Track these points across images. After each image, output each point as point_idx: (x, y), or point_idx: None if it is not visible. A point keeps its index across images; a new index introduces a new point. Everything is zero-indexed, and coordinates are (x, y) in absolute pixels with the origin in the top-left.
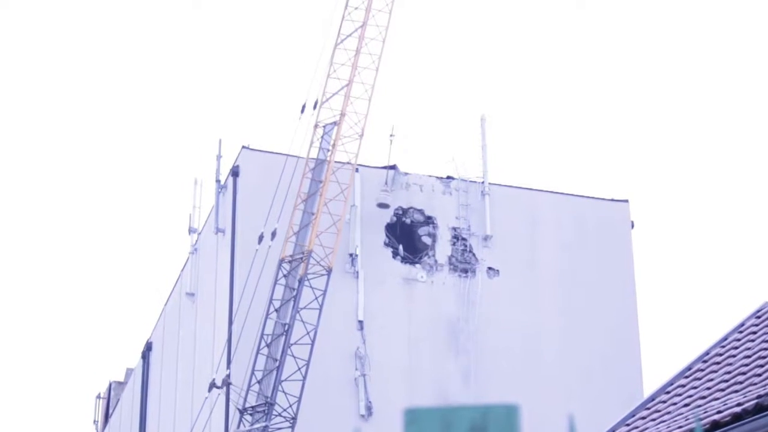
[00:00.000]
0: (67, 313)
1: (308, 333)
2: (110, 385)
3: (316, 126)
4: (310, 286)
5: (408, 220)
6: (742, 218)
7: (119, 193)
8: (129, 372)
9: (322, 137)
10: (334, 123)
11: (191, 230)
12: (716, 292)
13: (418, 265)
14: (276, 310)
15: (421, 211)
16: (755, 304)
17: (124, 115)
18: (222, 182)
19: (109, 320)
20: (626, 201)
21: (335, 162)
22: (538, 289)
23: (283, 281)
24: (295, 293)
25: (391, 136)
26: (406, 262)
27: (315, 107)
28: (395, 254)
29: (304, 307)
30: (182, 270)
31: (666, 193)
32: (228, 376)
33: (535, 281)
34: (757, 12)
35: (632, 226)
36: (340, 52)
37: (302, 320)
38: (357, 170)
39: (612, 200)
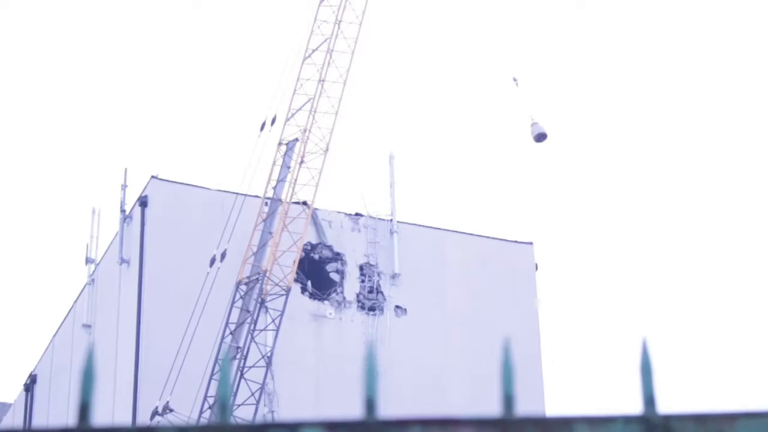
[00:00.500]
0: None
1: (263, 357)
2: None
3: (279, 144)
4: (266, 308)
5: (317, 256)
6: (639, 264)
7: (10, 216)
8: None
9: (284, 154)
10: (296, 139)
11: (88, 260)
12: (616, 333)
13: (326, 302)
14: (231, 333)
15: (330, 248)
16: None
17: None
18: (127, 212)
19: None
20: (531, 243)
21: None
22: (444, 328)
23: (239, 303)
24: (251, 315)
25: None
26: (314, 298)
27: (273, 123)
28: (303, 290)
29: (262, 330)
30: (76, 300)
31: (569, 237)
32: (168, 403)
33: (442, 320)
34: (758, 13)
35: (536, 268)
36: (306, 67)
37: (256, 343)
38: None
39: (517, 242)
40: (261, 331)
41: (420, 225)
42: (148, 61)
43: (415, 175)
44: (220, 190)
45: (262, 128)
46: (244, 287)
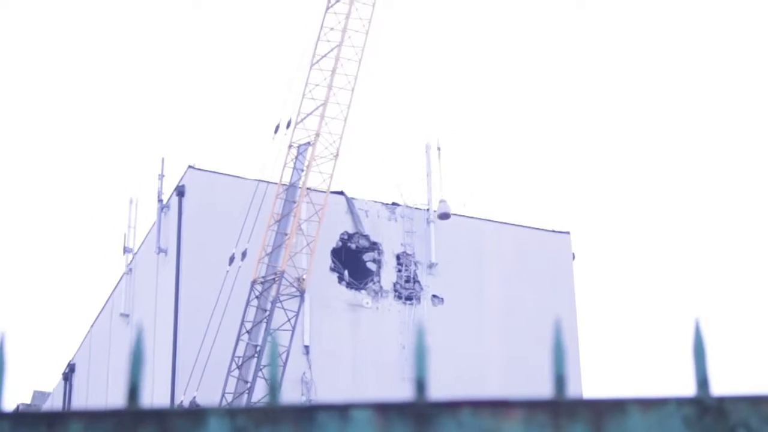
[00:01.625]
0: None
1: (279, 355)
2: (17, 408)
3: (290, 146)
4: (282, 308)
5: (353, 246)
6: (680, 252)
7: (47, 207)
8: (37, 395)
9: (296, 158)
10: (308, 143)
11: (126, 250)
12: (654, 322)
13: (363, 291)
14: (248, 332)
15: (366, 237)
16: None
17: (58, 128)
18: (165, 202)
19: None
20: (568, 233)
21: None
22: (481, 318)
23: (255, 302)
24: (267, 314)
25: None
26: (351, 288)
27: (288, 127)
28: (341, 279)
29: (277, 329)
30: (114, 290)
31: (606, 227)
32: (194, 398)
33: (479, 310)
34: (758, 13)
35: (573, 258)
36: (315, 72)
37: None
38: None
39: (554, 231)
40: (277, 330)
41: (456, 214)
42: (182, 56)
43: (452, 165)
44: (258, 180)
45: (276, 131)
46: (259, 287)
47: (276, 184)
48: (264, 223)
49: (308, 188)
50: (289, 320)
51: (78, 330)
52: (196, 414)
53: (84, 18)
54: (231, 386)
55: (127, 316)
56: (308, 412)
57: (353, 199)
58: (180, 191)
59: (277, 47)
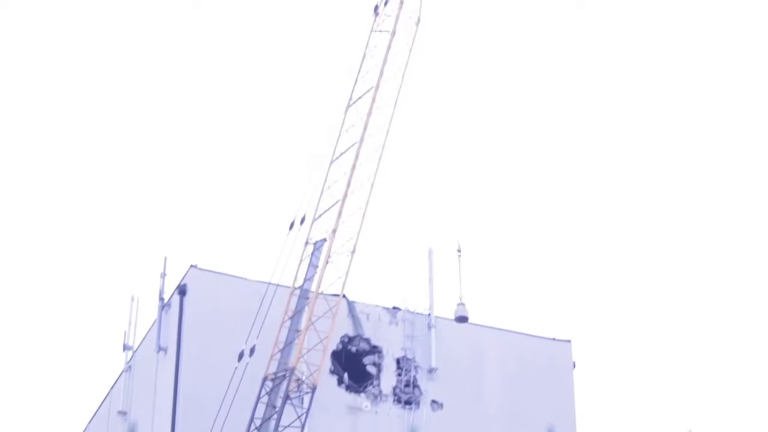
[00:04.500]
0: None
1: None
2: None
3: (306, 243)
4: (292, 404)
5: (354, 349)
6: (681, 363)
7: (47, 302)
8: None
9: (312, 254)
10: (324, 240)
11: (126, 347)
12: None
13: (362, 394)
14: (257, 429)
15: (367, 340)
16: None
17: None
18: (166, 300)
19: None
20: (569, 341)
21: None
22: (481, 424)
23: (265, 399)
24: (276, 411)
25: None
26: (350, 391)
27: (302, 223)
28: (340, 382)
29: (288, 426)
30: (112, 387)
31: (608, 335)
32: None
33: (479, 416)
34: (758, 13)
35: (574, 366)
36: (334, 168)
37: None
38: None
39: (555, 340)
40: (286, 427)
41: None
42: (187, 155)
43: (453, 270)
44: (259, 281)
45: (291, 227)
46: (270, 383)
47: (277, 286)
48: (271, 321)
49: (321, 293)
50: (299, 417)
51: (75, 427)
52: None
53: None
54: None
55: (125, 413)
56: None
57: (354, 302)
58: (182, 290)
59: (286, 146)
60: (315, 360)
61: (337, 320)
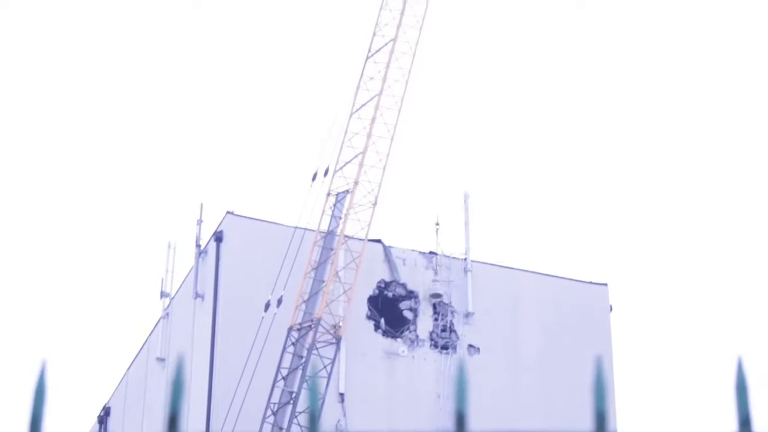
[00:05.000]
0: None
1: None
2: None
3: (328, 194)
4: (319, 355)
5: (390, 294)
6: (719, 305)
7: (86, 250)
8: None
9: (334, 205)
10: (347, 191)
11: (163, 294)
12: (691, 375)
13: (399, 340)
14: (284, 378)
15: (403, 285)
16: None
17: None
18: (203, 247)
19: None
20: (605, 285)
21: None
22: (517, 368)
23: (291, 349)
24: (303, 361)
25: (436, 225)
26: (387, 336)
27: (326, 175)
28: (377, 327)
29: (312, 376)
30: (150, 334)
31: (644, 278)
32: None
33: (515, 360)
34: (758, 13)
35: (611, 310)
36: (354, 120)
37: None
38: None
39: (591, 283)
40: (311, 377)
41: (494, 264)
42: (222, 102)
43: (490, 214)
44: (296, 227)
45: (314, 178)
46: (295, 333)
47: (314, 231)
48: (300, 271)
49: (346, 236)
50: (324, 367)
51: (114, 373)
52: None
53: (126, 55)
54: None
55: (163, 360)
56: None
57: (390, 247)
58: (218, 237)
59: (318, 94)
60: (340, 311)
61: (360, 272)
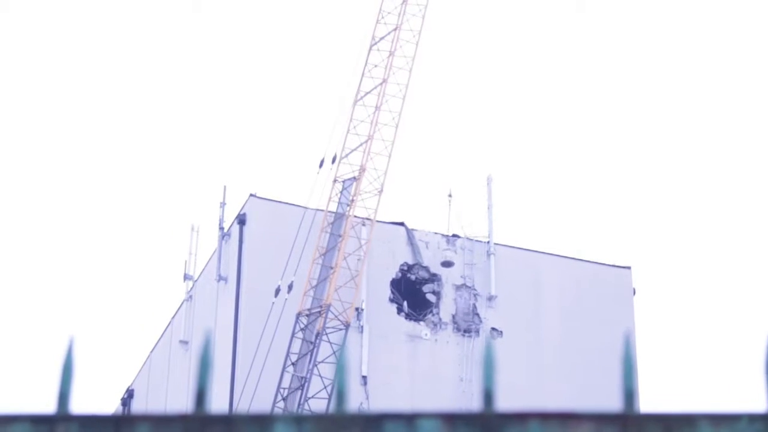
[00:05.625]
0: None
1: (325, 387)
2: None
3: (335, 181)
4: (328, 341)
5: (413, 277)
6: (743, 289)
7: (110, 233)
8: None
9: (341, 192)
10: (354, 178)
11: (186, 277)
12: (715, 359)
13: (422, 323)
14: (293, 364)
15: (426, 268)
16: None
17: (122, 150)
18: (226, 230)
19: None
20: (629, 268)
21: (354, 217)
22: (540, 351)
23: (300, 335)
24: (312, 347)
25: (449, 196)
26: (410, 319)
27: (333, 162)
28: (400, 310)
29: (322, 361)
30: (174, 317)
31: (668, 261)
32: None
33: (538, 343)
34: (758, 13)
35: (634, 293)
36: (359, 108)
37: (319, 374)
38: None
39: (615, 266)
40: (320, 362)
41: (517, 247)
42: (244, 86)
43: (513, 197)
44: (318, 209)
45: (321, 165)
46: (304, 319)
47: (333, 213)
48: (312, 256)
49: (358, 216)
50: (334, 353)
51: (137, 356)
52: (263, 420)
53: (151, 43)
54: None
55: (186, 343)
56: (376, 421)
57: (413, 230)
58: (241, 219)
59: (331, 80)
60: (349, 297)
61: (373, 256)
